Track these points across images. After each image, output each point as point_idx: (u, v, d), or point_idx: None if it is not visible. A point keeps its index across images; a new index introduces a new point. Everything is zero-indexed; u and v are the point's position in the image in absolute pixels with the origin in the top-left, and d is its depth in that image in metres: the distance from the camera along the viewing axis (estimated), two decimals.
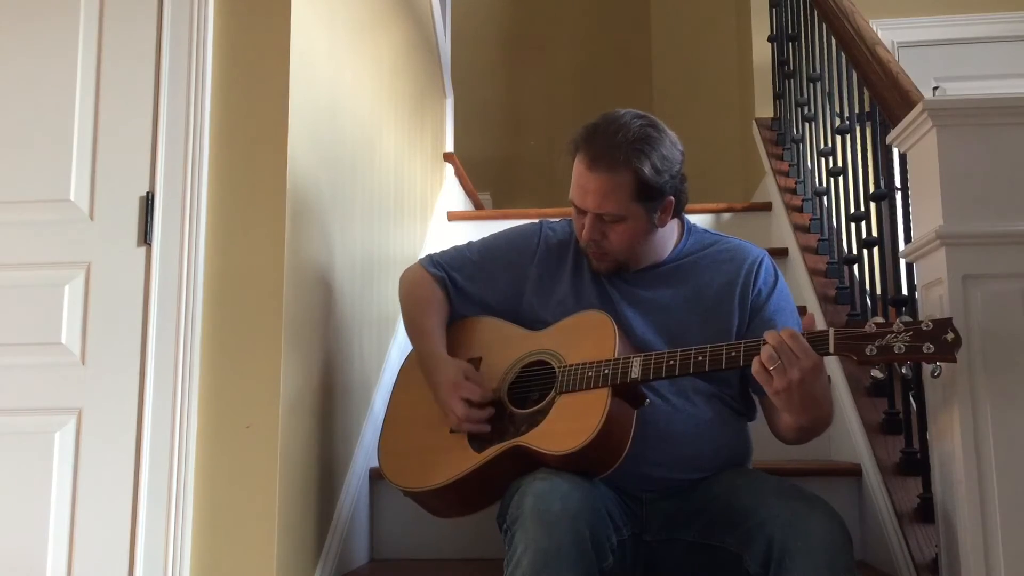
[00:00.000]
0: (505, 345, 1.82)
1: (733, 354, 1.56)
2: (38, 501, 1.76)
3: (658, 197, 1.71)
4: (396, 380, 1.96)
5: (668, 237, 1.82)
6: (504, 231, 1.98)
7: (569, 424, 1.62)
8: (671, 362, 1.60)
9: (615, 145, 1.67)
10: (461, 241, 3.47)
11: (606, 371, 1.63)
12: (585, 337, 1.71)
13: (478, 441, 1.72)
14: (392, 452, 1.84)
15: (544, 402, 1.69)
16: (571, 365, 1.68)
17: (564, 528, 1.44)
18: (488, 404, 1.74)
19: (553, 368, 1.72)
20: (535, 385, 1.75)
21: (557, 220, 1.94)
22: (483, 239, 2.01)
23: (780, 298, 1.78)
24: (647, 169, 1.67)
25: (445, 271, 1.95)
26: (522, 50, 5.57)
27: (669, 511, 1.70)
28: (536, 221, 1.95)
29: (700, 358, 1.58)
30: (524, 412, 1.71)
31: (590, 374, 1.64)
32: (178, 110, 1.85)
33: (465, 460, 1.70)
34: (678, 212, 1.79)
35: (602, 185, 1.68)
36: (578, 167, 1.71)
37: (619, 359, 1.64)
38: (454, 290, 1.94)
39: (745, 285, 1.77)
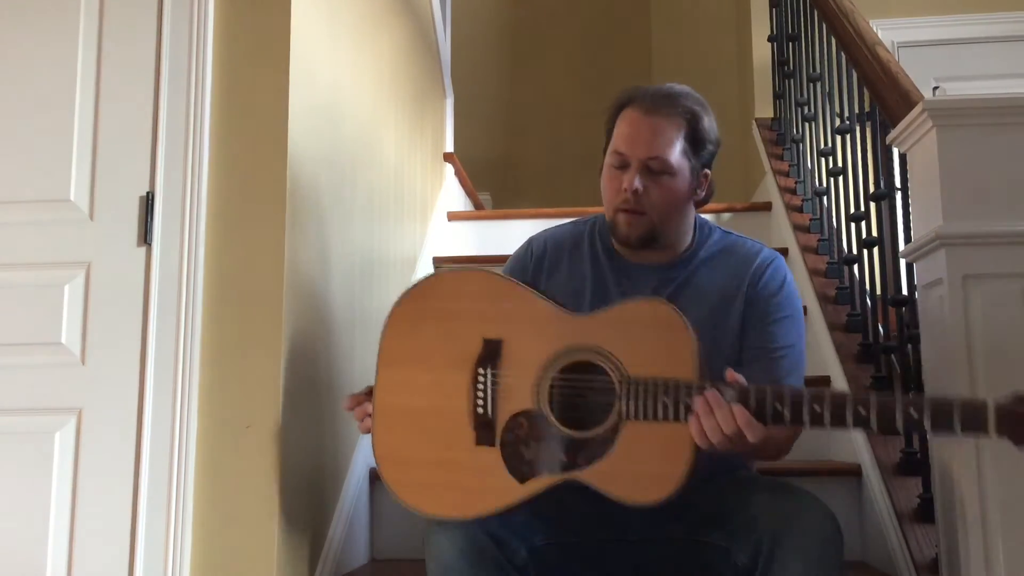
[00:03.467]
0: (537, 329, 1.51)
1: (863, 412, 1.32)
2: (38, 501, 1.76)
3: (704, 161, 1.67)
4: (381, 347, 1.56)
5: (687, 230, 1.71)
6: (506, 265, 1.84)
7: (646, 466, 1.41)
8: (777, 407, 1.35)
9: (674, 95, 1.65)
10: (461, 241, 3.52)
11: (689, 401, 1.38)
12: (649, 338, 1.46)
13: (517, 465, 1.46)
14: (396, 459, 1.52)
15: (605, 427, 1.43)
16: (637, 380, 1.42)
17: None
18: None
19: (609, 377, 1.45)
20: (584, 395, 1.49)
21: (552, 228, 1.83)
22: None
23: (785, 304, 1.66)
24: (705, 120, 1.65)
25: None
26: (522, 50, 5.58)
27: (654, 509, 1.65)
28: (524, 241, 1.83)
29: (817, 408, 1.34)
30: (579, 436, 1.45)
31: (666, 400, 1.40)
32: (178, 110, 1.85)
33: (506, 492, 1.46)
34: (706, 200, 1.71)
35: (659, 128, 1.62)
36: (631, 116, 1.65)
37: (707, 386, 1.39)
38: None
39: (750, 287, 1.67)
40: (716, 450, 1.37)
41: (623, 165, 1.64)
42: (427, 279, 1.59)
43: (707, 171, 1.69)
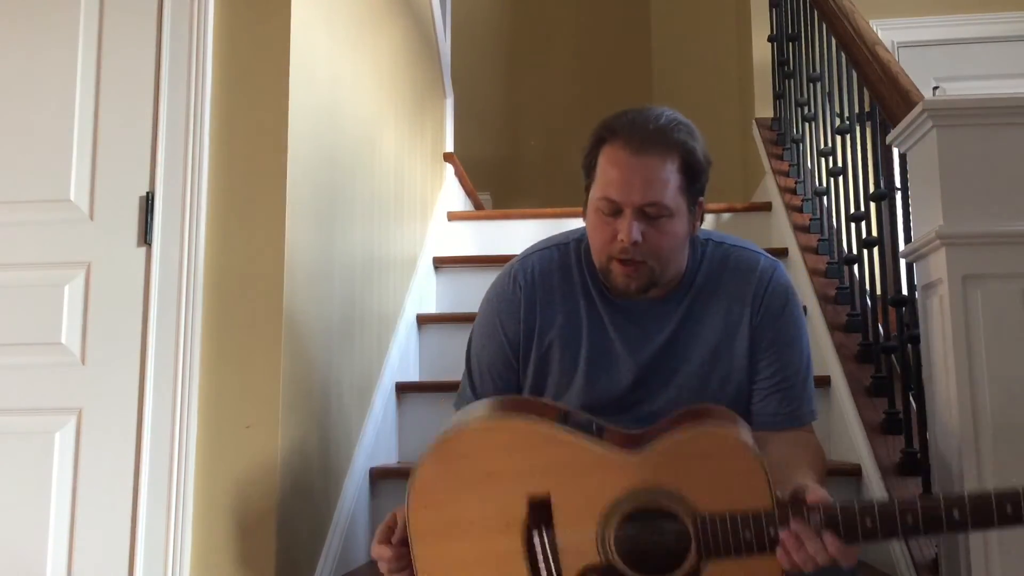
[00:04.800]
0: (587, 475, 1.33)
1: (956, 515, 1.20)
2: (38, 501, 1.77)
3: (699, 191, 1.51)
4: (408, 520, 1.33)
5: (684, 262, 1.56)
6: (483, 305, 1.66)
7: None
8: (868, 523, 1.22)
9: (662, 127, 1.46)
10: (461, 241, 3.52)
11: (772, 531, 1.24)
12: (713, 469, 1.31)
13: None
14: None
15: (683, 570, 1.28)
16: (712, 516, 1.27)
17: None
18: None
19: (677, 517, 1.30)
20: (652, 538, 1.32)
21: (534, 254, 1.64)
22: (472, 333, 1.68)
23: (792, 322, 1.55)
24: (698, 149, 1.48)
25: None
26: (522, 50, 5.58)
27: None
28: (506, 272, 1.64)
29: (910, 520, 1.21)
30: None
31: (747, 535, 1.25)
32: (178, 110, 1.85)
33: None
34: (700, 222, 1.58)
35: (653, 171, 1.44)
36: (618, 156, 1.46)
37: (790, 514, 1.25)
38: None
39: (754, 310, 1.54)
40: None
41: (615, 212, 1.47)
42: (446, 437, 1.36)
43: (701, 199, 1.54)
